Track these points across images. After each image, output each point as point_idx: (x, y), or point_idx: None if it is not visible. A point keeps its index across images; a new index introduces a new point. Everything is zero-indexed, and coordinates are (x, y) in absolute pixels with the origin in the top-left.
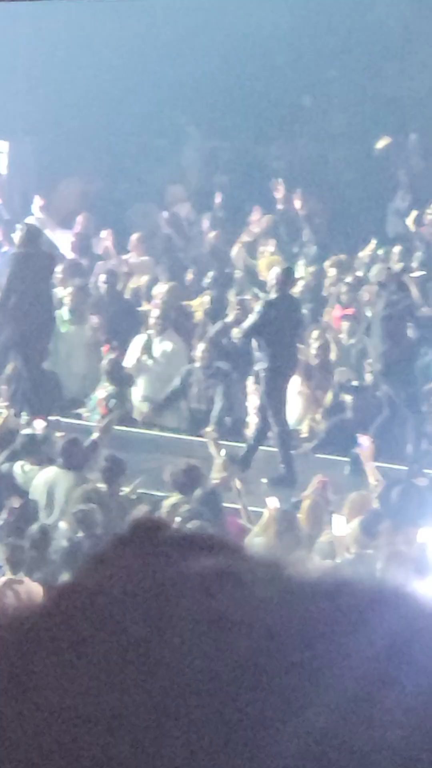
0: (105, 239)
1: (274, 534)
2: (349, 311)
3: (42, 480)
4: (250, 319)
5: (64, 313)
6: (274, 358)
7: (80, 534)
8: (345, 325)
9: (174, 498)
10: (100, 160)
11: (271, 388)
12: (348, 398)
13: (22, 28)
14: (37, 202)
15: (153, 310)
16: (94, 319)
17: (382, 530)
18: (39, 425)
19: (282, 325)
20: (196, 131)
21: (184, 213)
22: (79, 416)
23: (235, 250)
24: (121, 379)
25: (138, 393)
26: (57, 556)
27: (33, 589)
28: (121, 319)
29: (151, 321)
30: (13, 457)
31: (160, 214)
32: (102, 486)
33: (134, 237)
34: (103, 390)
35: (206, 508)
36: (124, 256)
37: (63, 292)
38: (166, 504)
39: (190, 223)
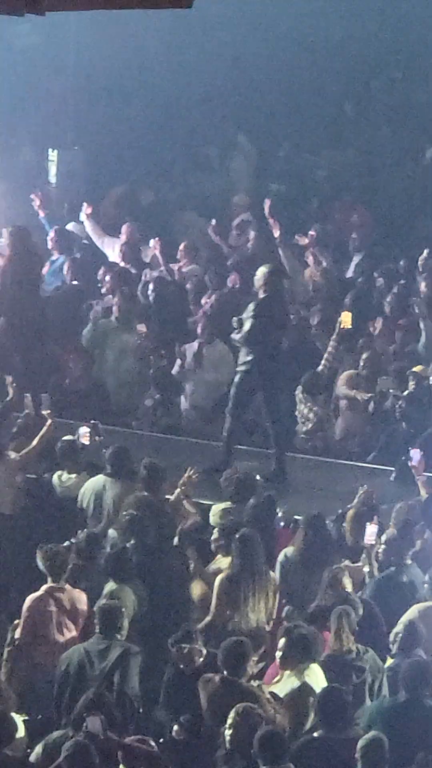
0: (153, 247)
1: (302, 541)
2: (401, 322)
3: (90, 488)
4: (246, 324)
5: (112, 320)
6: (258, 360)
7: (132, 542)
8: (398, 335)
9: (223, 504)
10: (148, 168)
11: (245, 387)
12: (394, 407)
13: (73, 38)
14: (85, 209)
15: (201, 319)
16: (142, 327)
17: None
18: (83, 432)
19: (268, 324)
20: (245, 140)
21: (237, 222)
22: (127, 424)
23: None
24: (169, 387)
25: (186, 401)
26: (104, 563)
27: (76, 596)
28: (170, 327)
29: (200, 329)
30: (53, 466)
31: (209, 222)
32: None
33: (182, 245)
34: (151, 398)
35: (258, 517)
36: (173, 265)
37: (111, 300)
38: (215, 510)
39: (240, 233)
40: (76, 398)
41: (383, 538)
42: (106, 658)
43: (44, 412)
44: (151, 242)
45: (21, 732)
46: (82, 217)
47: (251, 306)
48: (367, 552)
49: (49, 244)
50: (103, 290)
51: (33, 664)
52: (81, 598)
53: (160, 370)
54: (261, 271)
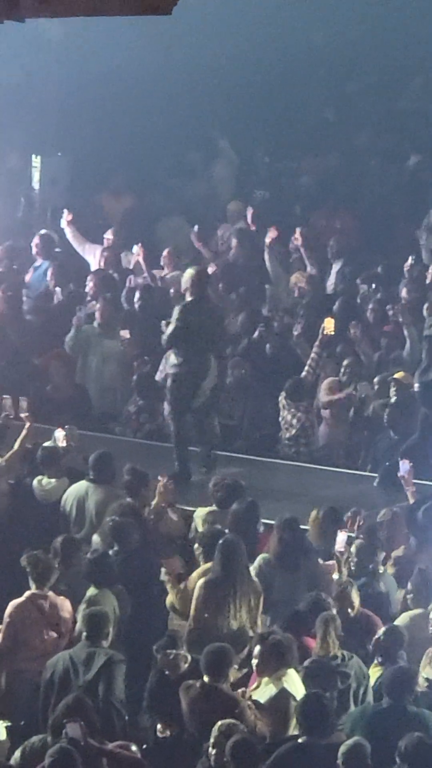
0: (137, 254)
1: (276, 544)
2: (386, 328)
3: (73, 493)
4: (170, 326)
5: (94, 326)
6: (186, 363)
7: (115, 547)
8: (383, 341)
9: (207, 509)
10: (131, 174)
11: (179, 392)
12: (378, 413)
13: (53, 44)
14: (66, 216)
15: None
16: (126, 333)
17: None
18: (60, 435)
19: (196, 328)
20: (227, 145)
21: (222, 230)
22: (110, 430)
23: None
24: (152, 393)
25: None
26: (86, 568)
27: (59, 603)
28: (153, 334)
29: None
30: (33, 471)
31: (191, 229)
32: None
33: (166, 252)
34: (134, 404)
35: (241, 521)
36: (156, 271)
37: (94, 306)
38: (199, 513)
39: (224, 240)
40: (58, 404)
41: (352, 547)
42: (91, 666)
43: (22, 415)
44: (135, 248)
45: (2, 737)
46: (63, 224)
47: (176, 309)
48: (336, 559)
49: (33, 250)
50: (88, 297)
51: (15, 670)
52: (64, 606)
53: (143, 376)
54: (188, 273)
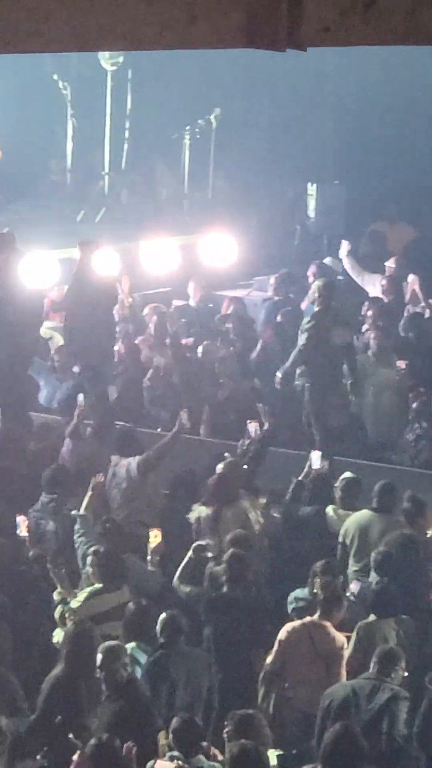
0: (412, 283)
1: None
2: None
3: (354, 523)
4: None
5: (369, 355)
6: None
7: (384, 578)
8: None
9: None
10: (408, 204)
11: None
12: None
13: (328, 74)
14: (344, 246)
15: None
16: (401, 363)
17: None
18: (315, 457)
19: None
20: None
21: None
22: (385, 459)
23: None
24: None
25: None
26: (369, 598)
27: (332, 635)
28: (429, 363)
29: None
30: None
31: None
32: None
33: None
34: (412, 432)
35: None
36: None
37: (368, 335)
38: None
39: None
40: (334, 433)
41: None
42: (373, 700)
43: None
44: (410, 278)
45: (273, 764)
46: (341, 254)
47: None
48: None
49: (310, 278)
50: (364, 326)
51: (283, 696)
52: (337, 638)
53: (422, 404)
54: (315, 285)
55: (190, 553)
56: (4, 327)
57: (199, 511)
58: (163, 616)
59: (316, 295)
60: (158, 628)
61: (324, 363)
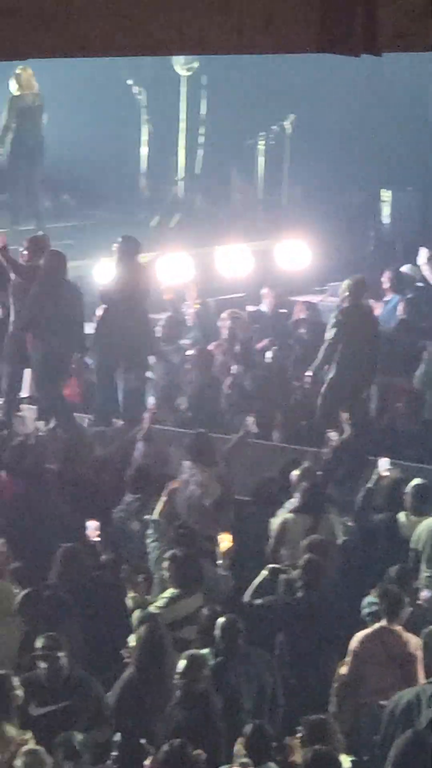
0: None
1: None
2: None
3: (425, 529)
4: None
5: None
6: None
7: None
8: None
9: None
10: None
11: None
12: None
13: (406, 76)
14: (423, 254)
15: None
16: None
17: None
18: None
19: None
20: None
21: None
22: None
23: None
24: None
25: None
26: None
27: (407, 639)
28: None
29: None
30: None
31: None
32: None
33: None
34: None
35: None
36: None
37: None
38: None
39: None
40: (404, 438)
41: None
42: None
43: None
44: None
45: None
46: (420, 260)
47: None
48: None
49: (386, 284)
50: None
51: (359, 704)
52: (411, 642)
53: None
54: (345, 283)
55: (264, 572)
56: (49, 326)
57: (286, 518)
58: (221, 620)
59: (347, 293)
60: (217, 633)
61: (350, 358)
